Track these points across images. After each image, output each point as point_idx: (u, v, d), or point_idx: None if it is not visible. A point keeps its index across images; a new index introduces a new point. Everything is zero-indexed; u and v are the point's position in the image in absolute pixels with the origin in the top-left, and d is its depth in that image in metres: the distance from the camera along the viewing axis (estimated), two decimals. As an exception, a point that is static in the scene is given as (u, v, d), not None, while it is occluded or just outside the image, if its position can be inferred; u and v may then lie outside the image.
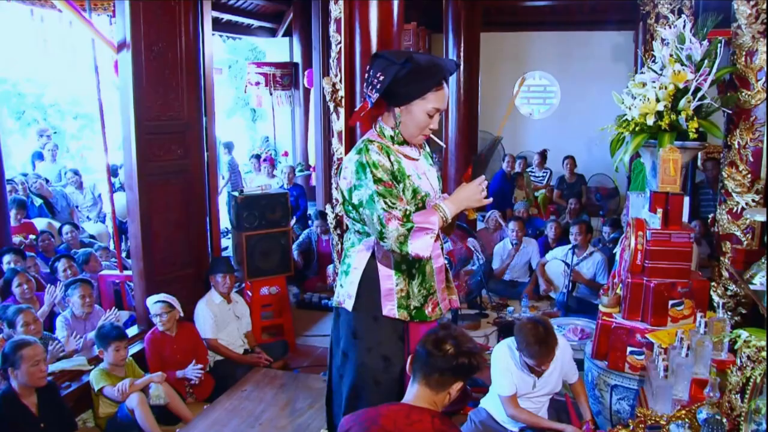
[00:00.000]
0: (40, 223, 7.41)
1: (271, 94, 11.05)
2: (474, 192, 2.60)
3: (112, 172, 6.88)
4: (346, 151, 4.47)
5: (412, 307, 2.70)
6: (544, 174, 9.98)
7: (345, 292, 2.79)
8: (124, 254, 6.35)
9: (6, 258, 5.54)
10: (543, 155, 10.07)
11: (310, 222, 8.57)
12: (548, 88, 11.08)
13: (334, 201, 4.68)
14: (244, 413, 4.31)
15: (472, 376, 2.37)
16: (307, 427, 4.22)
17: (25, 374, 3.51)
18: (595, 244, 6.64)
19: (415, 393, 2.29)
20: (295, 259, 6.83)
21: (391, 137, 2.61)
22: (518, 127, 11.15)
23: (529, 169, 9.72)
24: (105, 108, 5.26)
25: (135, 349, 4.83)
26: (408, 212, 2.49)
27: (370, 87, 2.55)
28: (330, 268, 6.59)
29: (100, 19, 5.09)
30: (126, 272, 5.73)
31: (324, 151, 8.82)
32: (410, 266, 2.68)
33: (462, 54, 7.60)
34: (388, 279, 2.69)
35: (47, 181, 8.45)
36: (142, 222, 5.00)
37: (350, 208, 2.66)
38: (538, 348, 3.32)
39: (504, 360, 3.55)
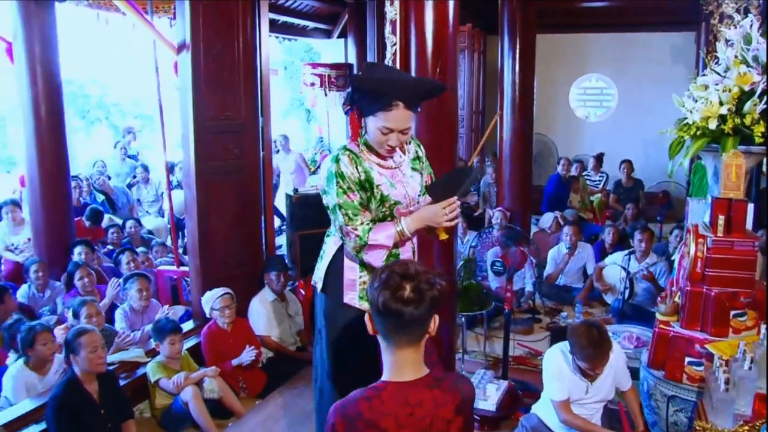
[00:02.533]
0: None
1: (326, 94, 11.09)
2: (435, 213, 2.61)
3: (170, 169, 7.02)
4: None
5: None
6: (601, 178, 9.79)
7: (318, 276, 2.97)
8: (181, 250, 6.47)
9: (77, 249, 5.75)
10: (599, 159, 9.88)
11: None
12: (605, 91, 10.87)
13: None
14: (297, 410, 4.33)
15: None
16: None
17: (85, 360, 3.61)
18: (657, 250, 6.46)
19: (398, 363, 1.90)
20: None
21: (368, 146, 2.67)
22: (574, 130, 10.98)
23: (584, 173, 9.55)
24: (164, 108, 5.37)
25: (190, 343, 4.91)
26: (368, 227, 2.60)
27: (347, 97, 2.69)
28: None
29: (161, 21, 5.21)
30: (183, 268, 5.83)
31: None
32: (372, 267, 2.73)
33: (517, 55, 7.49)
34: (352, 271, 2.83)
35: (109, 177, 8.69)
36: (199, 219, 5.09)
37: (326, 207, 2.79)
38: (593, 351, 3.26)
39: (556, 364, 3.48)
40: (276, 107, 6.42)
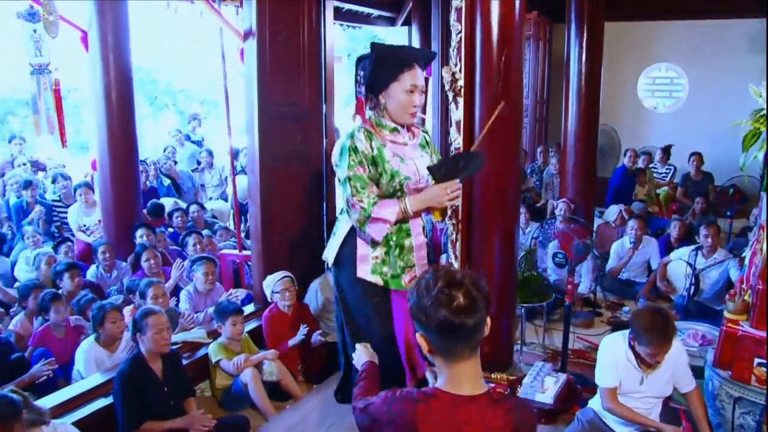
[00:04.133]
0: (167, 201, 7.83)
1: (389, 82, 11.10)
2: (438, 195, 2.81)
3: (234, 155, 7.14)
4: (465, 142, 4.45)
5: (387, 274, 3.01)
6: (668, 171, 9.52)
7: (329, 252, 3.16)
8: (243, 235, 6.58)
9: (139, 232, 5.92)
10: (666, 151, 9.60)
11: (424, 211, 8.59)
12: (675, 81, 10.54)
13: (449, 191, 4.66)
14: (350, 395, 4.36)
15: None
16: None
17: (151, 340, 3.74)
18: (735, 246, 6.25)
19: (456, 375, 1.81)
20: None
21: (382, 125, 2.87)
22: (641, 121, 10.70)
23: (651, 165, 9.31)
24: (230, 94, 5.46)
25: (251, 326, 5.01)
26: (373, 200, 2.77)
27: (357, 84, 2.90)
28: (443, 258, 6.56)
29: (227, 9, 5.28)
30: (245, 252, 5.94)
31: (441, 141, 8.80)
32: (386, 242, 2.98)
33: (584, 44, 7.35)
34: (365, 247, 3.03)
35: (176, 162, 8.90)
36: (261, 204, 5.17)
37: (337, 181, 2.98)
38: (656, 335, 3.15)
39: (612, 351, 3.42)
40: (339, 95, 6.44)
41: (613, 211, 7.54)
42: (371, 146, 2.80)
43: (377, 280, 3.01)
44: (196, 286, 5.23)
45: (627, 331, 3.37)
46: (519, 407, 1.86)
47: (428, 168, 2.83)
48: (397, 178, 2.84)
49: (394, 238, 2.99)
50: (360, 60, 2.88)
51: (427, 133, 3.07)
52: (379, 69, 2.79)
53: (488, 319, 1.82)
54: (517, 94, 4.51)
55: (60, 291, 5.04)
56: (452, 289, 1.74)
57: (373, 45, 2.83)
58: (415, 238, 3.08)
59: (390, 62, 2.80)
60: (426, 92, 2.88)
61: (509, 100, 4.42)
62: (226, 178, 8.97)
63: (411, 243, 3.05)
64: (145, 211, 6.67)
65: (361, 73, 2.87)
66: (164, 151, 9.19)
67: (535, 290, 5.30)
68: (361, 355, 2.51)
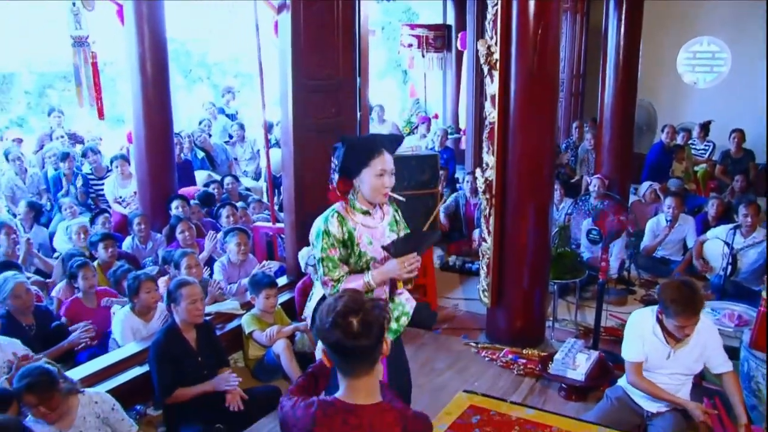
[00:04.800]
0: (200, 174, 7.90)
1: (423, 56, 11.03)
2: (395, 269, 3.00)
3: (268, 128, 7.17)
4: (500, 116, 4.43)
5: None
6: (706, 147, 9.31)
7: (306, 313, 3.33)
8: (276, 207, 6.63)
9: (174, 203, 6.00)
10: (705, 127, 9.36)
11: (458, 185, 8.55)
12: (717, 55, 10.27)
13: (484, 165, 4.64)
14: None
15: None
16: (445, 387, 4.28)
17: (185, 311, 3.80)
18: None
19: (352, 388, 2.09)
20: (441, 221, 6.84)
21: (356, 207, 3.11)
22: (680, 96, 10.47)
23: (689, 142, 9.11)
24: (264, 67, 5.45)
25: (283, 298, 5.05)
26: (340, 278, 3.05)
27: (332, 171, 3.16)
28: (476, 233, 6.57)
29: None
30: (278, 225, 5.99)
31: (475, 115, 8.74)
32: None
33: (623, 17, 7.20)
34: None
35: (210, 135, 8.96)
36: (295, 177, 5.19)
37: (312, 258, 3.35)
38: (683, 306, 3.12)
39: (639, 325, 3.40)
40: (373, 68, 6.41)
41: (644, 187, 7.40)
42: (343, 230, 3.06)
43: None
44: (230, 258, 5.29)
45: (655, 306, 3.34)
46: (412, 418, 2.12)
47: (383, 247, 3.05)
48: (364, 258, 3.09)
49: None
50: (334, 149, 3.15)
51: (398, 211, 3.31)
52: (350, 158, 3.05)
53: (387, 340, 2.10)
54: (553, 68, 4.46)
55: (96, 261, 5.15)
56: (350, 314, 2.00)
57: (343, 138, 3.11)
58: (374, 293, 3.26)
59: (359, 150, 3.05)
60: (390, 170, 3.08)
61: (545, 74, 4.38)
62: (258, 151, 9.02)
63: None
64: (195, 200, 6.71)
65: (335, 162, 3.14)
66: (200, 124, 9.26)
67: (568, 267, 5.28)
68: (320, 354, 2.58)
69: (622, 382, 3.63)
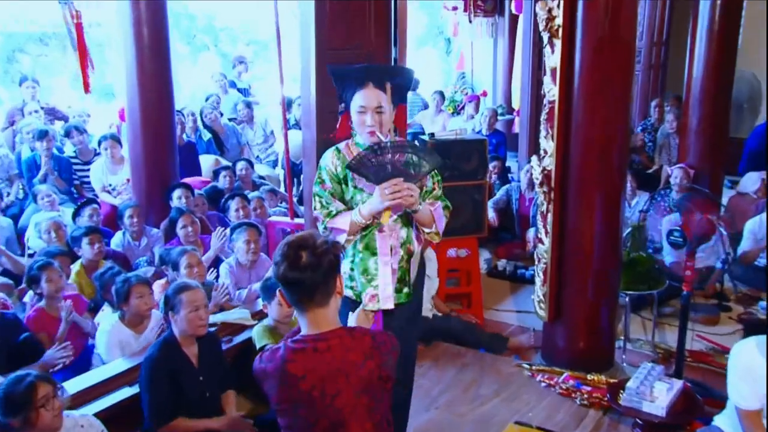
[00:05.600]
0: (207, 160, 7.92)
1: (470, 21, 10.99)
2: (375, 198, 3.15)
3: (287, 106, 7.17)
4: (561, 93, 4.39)
5: (357, 289, 3.44)
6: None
7: None
8: (296, 199, 6.64)
9: (175, 193, 6.02)
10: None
11: (510, 176, 8.50)
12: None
13: (541, 152, 4.61)
14: (420, 392, 4.41)
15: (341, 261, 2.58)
16: (492, 418, 4.27)
17: (185, 320, 3.78)
18: None
19: (310, 321, 2.45)
20: (489, 218, 6.81)
21: (358, 143, 3.35)
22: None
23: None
24: (283, 34, 5.46)
25: (302, 306, 5.04)
26: (331, 213, 3.32)
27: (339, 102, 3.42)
28: (531, 232, 6.53)
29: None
30: (297, 220, 6.00)
31: (532, 92, 8.69)
32: (352, 259, 3.44)
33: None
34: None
35: (221, 114, 8.98)
36: (317, 164, 5.18)
37: None
38: None
39: (748, 361, 3.24)
40: (410, 35, 6.40)
41: (752, 180, 7.13)
42: (337, 165, 3.34)
43: (350, 294, 3.43)
44: (238, 258, 5.31)
45: (763, 338, 3.21)
46: (376, 332, 2.60)
47: (347, 166, 3.21)
48: (359, 196, 3.30)
49: (360, 256, 3.41)
50: None
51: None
52: (339, 90, 3.34)
53: (340, 278, 2.50)
54: (628, 34, 4.41)
55: (79, 260, 5.19)
56: (299, 249, 2.37)
57: (328, 67, 3.41)
58: (381, 258, 3.40)
59: (342, 82, 3.33)
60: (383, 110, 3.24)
61: (618, 42, 4.33)
62: (272, 132, 9.04)
63: (377, 264, 3.40)
64: (202, 192, 6.76)
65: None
66: (207, 100, 9.24)
67: (643, 275, 5.20)
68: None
69: (720, 422, 3.53)
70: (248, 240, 5.27)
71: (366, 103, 3.23)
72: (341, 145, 3.41)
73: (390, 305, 3.41)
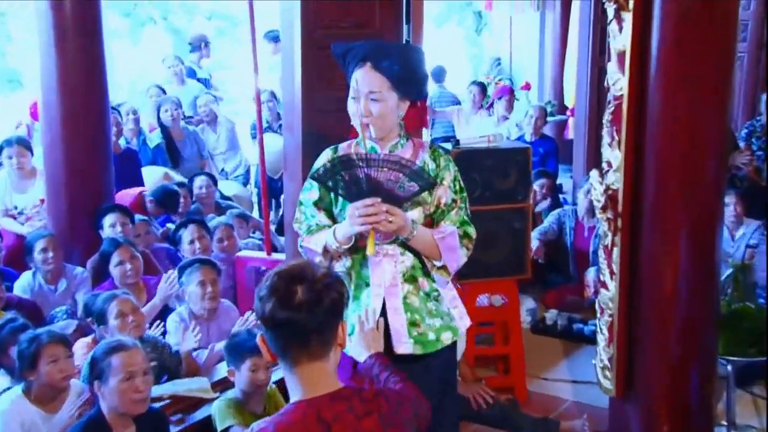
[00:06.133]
0: (153, 173, 7.90)
1: (508, -10, 11.09)
2: (346, 220, 3.28)
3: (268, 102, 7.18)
4: (632, 86, 4.35)
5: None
6: None
7: None
8: (274, 227, 6.62)
9: (108, 220, 5.97)
10: None
11: (562, 197, 8.47)
12: None
13: (604, 165, 4.57)
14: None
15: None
16: None
17: (115, 392, 3.72)
18: None
19: (303, 381, 2.40)
20: (534, 253, 6.75)
21: (366, 141, 3.47)
22: None
23: None
24: (257, 9, 5.47)
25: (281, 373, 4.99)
26: (311, 228, 3.50)
27: None
28: (591, 273, 6.49)
29: None
30: (276, 255, 6.02)
31: (592, 84, 8.67)
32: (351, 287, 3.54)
33: None
34: None
35: (185, 117, 9.05)
36: (303, 179, 5.17)
37: None
38: None
39: None
40: (428, 10, 6.41)
41: None
42: None
43: None
44: (191, 308, 5.28)
45: None
46: (385, 391, 2.68)
47: (311, 176, 3.41)
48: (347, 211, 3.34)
49: (351, 285, 3.51)
50: None
51: (438, 158, 3.54)
52: (348, 76, 3.48)
53: (343, 325, 2.49)
54: (727, 5, 4.39)
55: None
56: (293, 283, 2.33)
57: (333, 46, 3.58)
58: (373, 288, 3.47)
59: (347, 63, 3.51)
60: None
61: (713, 16, 4.31)
62: (235, 139, 9.03)
63: (369, 296, 3.48)
64: (149, 199, 6.70)
65: None
66: (147, 92, 9.28)
67: (751, 334, 5.14)
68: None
69: None
70: (203, 281, 5.23)
71: (360, 87, 3.36)
72: (343, 145, 3.54)
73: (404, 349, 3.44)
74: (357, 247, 3.35)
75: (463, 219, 3.48)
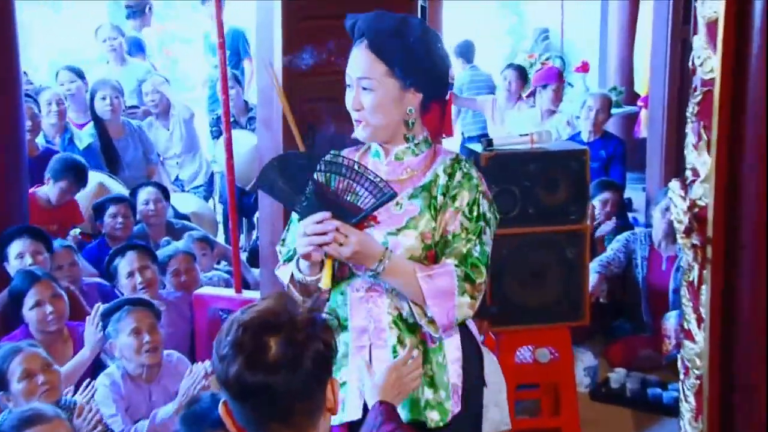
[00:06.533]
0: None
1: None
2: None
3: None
4: (726, 68, 4.33)
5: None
6: None
7: None
8: (245, 256, 6.64)
9: (15, 247, 5.95)
10: None
11: (632, 216, 8.48)
12: None
13: (688, 173, 4.55)
14: None
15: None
16: None
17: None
18: None
19: None
20: (593, 292, 6.74)
21: (372, 147, 3.63)
22: None
23: None
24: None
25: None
26: (289, 254, 3.55)
27: None
28: (671, 320, 6.47)
29: None
30: (248, 294, 6.03)
31: (671, 66, 8.69)
32: None
33: None
34: None
35: (129, 107, 9.14)
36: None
37: None
38: None
39: None
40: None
41: None
42: None
43: None
44: (125, 366, 5.26)
45: None
46: None
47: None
48: None
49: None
50: None
51: (455, 173, 3.47)
52: None
53: (334, 383, 2.37)
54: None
55: None
56: (263, 330, 2.23)
57: (348, 16, 3.61)
58: (352, 332, 3.52)
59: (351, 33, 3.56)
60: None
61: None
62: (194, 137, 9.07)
63: (346, 344, 3.53)
64: (49, 177, 6.71)
65: None
66: (56, 76, 9.25)
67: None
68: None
69: None
70: (137, 329, 5.19)
71: (352, 72, 3.43)
72: (346, 151, 3.55)
73: (358, 415, 3.43)
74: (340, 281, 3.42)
75: (470, 255, 3.37)
